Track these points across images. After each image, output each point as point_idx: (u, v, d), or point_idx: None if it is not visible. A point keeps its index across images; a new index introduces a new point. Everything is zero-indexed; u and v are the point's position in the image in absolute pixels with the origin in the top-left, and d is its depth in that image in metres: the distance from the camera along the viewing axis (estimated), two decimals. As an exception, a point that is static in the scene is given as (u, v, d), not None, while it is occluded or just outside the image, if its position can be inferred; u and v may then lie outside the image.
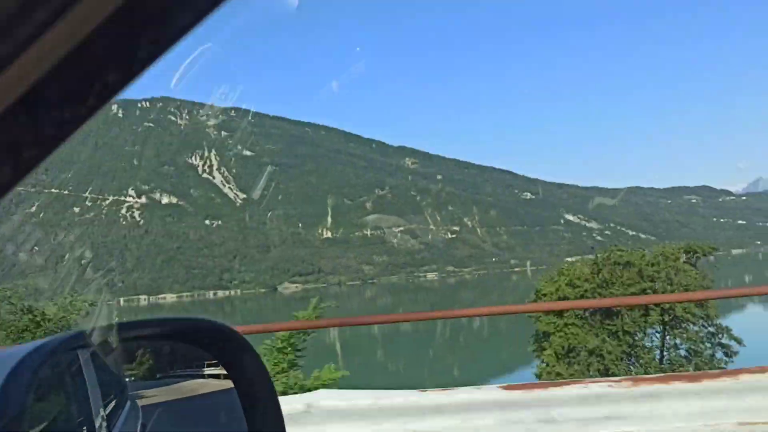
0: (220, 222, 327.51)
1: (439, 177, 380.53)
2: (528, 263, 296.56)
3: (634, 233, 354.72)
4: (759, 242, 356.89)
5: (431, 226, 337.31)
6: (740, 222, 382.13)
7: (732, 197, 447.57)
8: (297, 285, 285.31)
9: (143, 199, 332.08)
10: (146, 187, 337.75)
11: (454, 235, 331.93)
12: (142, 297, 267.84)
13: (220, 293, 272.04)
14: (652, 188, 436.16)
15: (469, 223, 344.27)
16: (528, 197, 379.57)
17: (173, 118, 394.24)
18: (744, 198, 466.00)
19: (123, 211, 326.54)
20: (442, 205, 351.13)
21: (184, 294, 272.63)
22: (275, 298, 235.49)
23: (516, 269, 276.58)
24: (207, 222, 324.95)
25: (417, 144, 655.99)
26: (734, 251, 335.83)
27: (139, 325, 1.33)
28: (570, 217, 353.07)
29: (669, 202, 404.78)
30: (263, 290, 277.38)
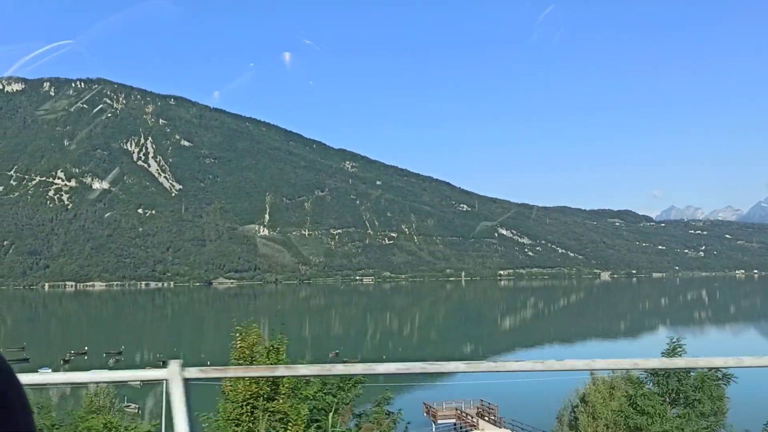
0: (153, 212, 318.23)
1: (378, 183, 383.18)
2: (463, 274, 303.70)
3: (563, 251, 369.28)
4: (677, 267, 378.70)
5: (369, 231, 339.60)
6: (660, 247, 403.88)
7: (652, 223, 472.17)
8: (232, 281, 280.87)
9: (73, 183, 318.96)
10: (77, 170, 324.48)
11: (391, 242, 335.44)
12: (69, 283, 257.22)
13: (153, 284, 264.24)
14: (579, 209, 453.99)
15: (406, 230, 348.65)
16: (464, 209, 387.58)
17: (109, 101, 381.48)
18: (663, 225, 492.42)
19: (50, 193, 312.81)
20: (381, 210, 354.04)
21: (114, 283, 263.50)
22: (209, 293, 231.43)
23: (451, 278, 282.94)
24: (140, 211, 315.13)
25: (357, 148, 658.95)
26: (655, 275, 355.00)
27: None
28: (504, 232, 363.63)
29: (595, 223, 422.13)
30: (197, 284, 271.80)
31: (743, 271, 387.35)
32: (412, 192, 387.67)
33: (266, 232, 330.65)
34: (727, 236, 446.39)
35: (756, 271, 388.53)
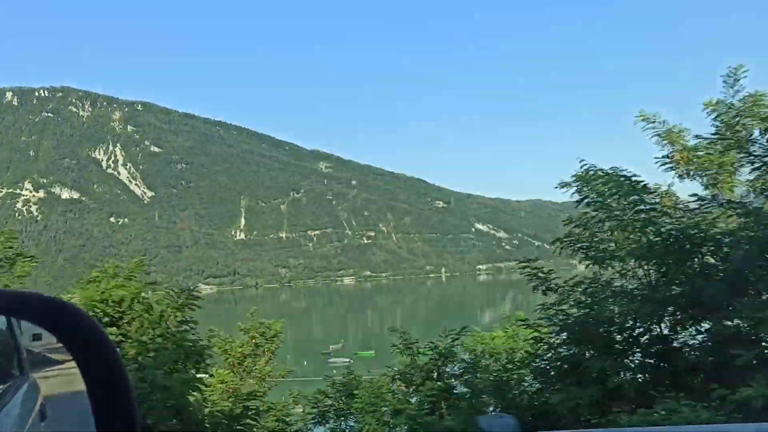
0: (126, 220, 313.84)
1: (354, 182, 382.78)
2: (443, 270, 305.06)
3: (539, 243, 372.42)
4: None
5: (347, 231, 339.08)
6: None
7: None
8: (212, 287, 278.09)
9: (41, 193, 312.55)
10: (44, 181, 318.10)
11: (369, 241, 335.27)
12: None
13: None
14: (551, 201, 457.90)
15: (384, 229, 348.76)
16: (440, 206, 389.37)
17: (74, 109, 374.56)
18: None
19: (19, 204, 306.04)
20: (358, 210, 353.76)
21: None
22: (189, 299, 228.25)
23: (431, 275, 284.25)
24: (112, 219, 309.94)
25: (330, 148, 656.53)
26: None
27: None
28: (480, 227, 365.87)
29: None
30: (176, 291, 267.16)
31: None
32: (388, 190, 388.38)
33: (243, 236, 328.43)
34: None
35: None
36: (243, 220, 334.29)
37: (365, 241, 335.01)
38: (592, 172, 9.08)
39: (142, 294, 9.40)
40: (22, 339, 1.32)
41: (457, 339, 10.50)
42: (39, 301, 1.20)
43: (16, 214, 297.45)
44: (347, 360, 54.06)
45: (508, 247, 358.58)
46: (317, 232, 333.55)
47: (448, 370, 10.09)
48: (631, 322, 7.58)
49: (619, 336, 7.67)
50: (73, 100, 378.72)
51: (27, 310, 1.20)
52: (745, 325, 6.70)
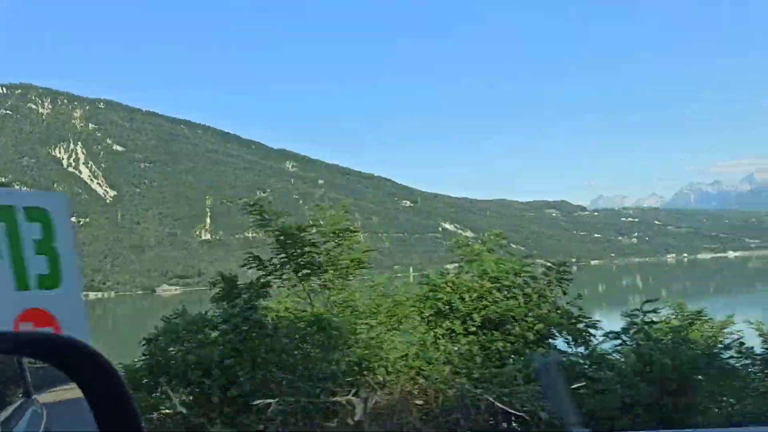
0: (87, 219, 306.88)
1: (320, 182, 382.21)
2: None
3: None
4: (613, 254, 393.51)
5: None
6: (596, 235, 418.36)
7: (586, 212, 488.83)
8: (176, 288, 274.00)
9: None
10: (2, 180, 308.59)
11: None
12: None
13: (92, 295, 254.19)
14: (517, 201, 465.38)
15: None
16: (407, 205, 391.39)
17: (34, 107, 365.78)
18: (596, 213, 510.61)
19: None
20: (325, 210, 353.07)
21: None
22: (153, 301, 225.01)
23: (399, 275, 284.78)
24: (73, 219, 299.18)
25: (296, 148, 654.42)
26: (593, 262, 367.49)
27: None
28: (447, 226, 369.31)
29: (533, 214, 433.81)
30: (140, 292, 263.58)
31: (674, 255, 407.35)
32: (355, 190, 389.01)
33: (208, 236, 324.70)
34: (657, 222, 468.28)
35: (685, 254, 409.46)
36: (208, 220, 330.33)
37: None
38: None
39: (525, 268, 9.19)
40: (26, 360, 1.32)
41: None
42: (56, 343, 1.21)
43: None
44: None
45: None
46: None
47: None
48: None
49: None
50: (33, 98, 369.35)
51: (43, 351, 1.19)
52: None
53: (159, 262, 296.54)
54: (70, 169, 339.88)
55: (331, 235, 10.39)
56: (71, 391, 1.15)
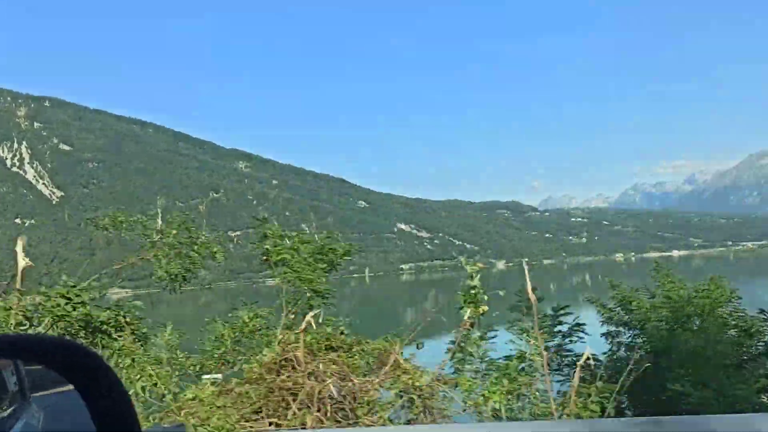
0: (33, 221, 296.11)
1: (274, 182, 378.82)
2: (366, 270, 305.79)
3: (460, 243, 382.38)
4: (564, 254, 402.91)
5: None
6: (547, 235, 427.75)
7: (537, 212, 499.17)
8: (127, 290, 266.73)
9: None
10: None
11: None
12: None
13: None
14: (469, 201, 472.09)
15: (307, 229, 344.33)
16: (362, 205, 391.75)
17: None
18: (547, 214, 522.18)
19: None
20: (279, 210, 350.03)
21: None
22: (103, 304, 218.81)
23: (354, 275, 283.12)
24: (17, 221, 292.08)
25: (249, 148, 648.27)
26: (545, 261, 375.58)
27: None
28: (403, 226, 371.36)
29: (485, 215, 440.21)
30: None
31: (622, 254, 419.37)
32: (310, 190, 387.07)
33: (160, 237, 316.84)
34: (605, 222, 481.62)
35: (633, 253, 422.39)
36: (159, 221, 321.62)
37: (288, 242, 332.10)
38: None
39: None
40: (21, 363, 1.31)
41: None
42: (56, 346, 1.20)
43: None
44: None
45: (429, 246, 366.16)
46: (238, 232, 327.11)
47: None
48: None
49: None
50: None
51: (43, 355, 1.18)
52: None
53: (109, 264, 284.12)
54: (14, 169, 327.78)
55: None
56: (68, 393, 1.15)
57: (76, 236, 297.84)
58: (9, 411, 1.28)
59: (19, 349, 1.18)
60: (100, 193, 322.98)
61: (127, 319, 8.00)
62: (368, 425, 4.99)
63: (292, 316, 8.60)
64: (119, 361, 6.81)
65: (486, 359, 6.33)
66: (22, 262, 7.79)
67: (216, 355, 8.16)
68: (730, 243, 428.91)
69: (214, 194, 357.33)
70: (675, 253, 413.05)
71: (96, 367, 1.14)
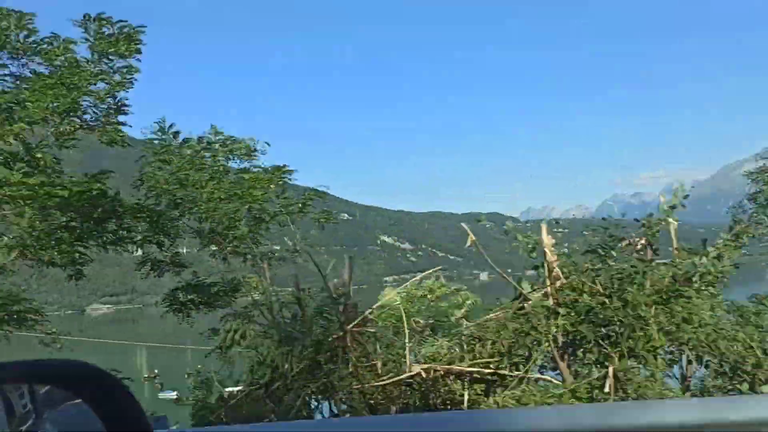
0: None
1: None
2: (351, 283, 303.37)
3: (443, 254, 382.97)
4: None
5: (252, 244, 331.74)
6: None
7: (519, 223, 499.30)
8: (108, 306, 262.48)
9: None
10: None
11: (275, 254, 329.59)
12: None
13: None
14: (452, 213, 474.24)
15: (289, 242, 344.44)
16: (346, 218, 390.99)
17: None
18: (529, 224, 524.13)
19: None
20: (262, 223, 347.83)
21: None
22: (83, 321, 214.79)
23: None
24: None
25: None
26: (528, 272, 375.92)
27: None
28: (386, 239, 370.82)
29: (468, 226, 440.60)
30: (69, 312, 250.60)
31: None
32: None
33: (141, 252, 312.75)
34: (585, 233, 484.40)
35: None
36: (139, 235, 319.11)
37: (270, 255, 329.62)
38: None
39: None
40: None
41: None
42: (77, 370, 1.22)
43: None
44: None
45: (413, 258, 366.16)
46: (214, 247, 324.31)
47: None
48: None
49: None
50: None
51: (64, 379, 1.21)
52: None
53: (89, 280, 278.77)
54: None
55: None
56: (80, 405, 1.17)
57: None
58: (25, 429, 1.30)
59: (34, 374, 1.22)
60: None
61: None
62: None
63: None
64: None
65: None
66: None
67: None
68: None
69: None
70: (655, 263, 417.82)
71: (113, 387, 1.17)
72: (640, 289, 6.55)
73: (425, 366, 6.81)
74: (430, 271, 12.82)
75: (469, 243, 7.76)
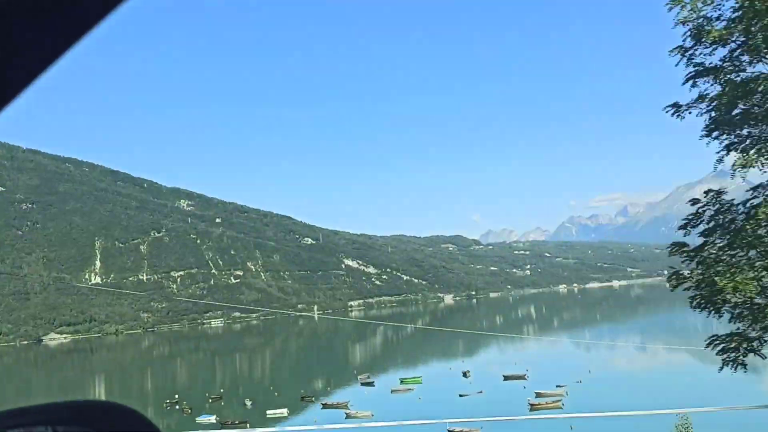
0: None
1: (218, 220, 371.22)
2: (315, 308, 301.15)
3: (408, 278, 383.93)
4: (510, 286, 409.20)
5: (213, 271, 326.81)
6: (492, 268, 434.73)
7: (481, 246, 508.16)
8: (66, 336, 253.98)
9: None
10: None
11: (238, 280, 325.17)
12: None
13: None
14: (415, 236, 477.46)
15: (252, 267, 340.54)
16: (309, 242, 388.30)
17: None
18: (490, 247, 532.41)
19: None
20: (224, 249, 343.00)
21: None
22: (40, 351, 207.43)
23: (303, 313, 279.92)
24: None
25: (192, 186, 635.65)
26: (492, 294, 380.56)
27: (18, 414, 1.18)
28: (350, 262, 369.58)
29: (431, 249, 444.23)
30: (25, 342, 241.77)
31: (565, 285, 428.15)
32: (255, 228, 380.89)
33: (99, 279, 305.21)
34: (547, 254, 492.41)
35: (575, 284, 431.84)
36: (98, 263, 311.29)
37: (233, 281, 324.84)
38: None
39: None
40: None
41: None
42: (105, 411, 1.23)
43: None
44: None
45: (377, 282, 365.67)
46: (181, 272, 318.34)
47: None
48: None
49: None
50: None
51: (91, 421, 1.20)
52: None
53: (45, 309, 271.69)
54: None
55: None
56: None
57: (9, 280, 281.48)
58: None
59: (55, 417, 1.21)
60: (34, 235, 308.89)
61: None
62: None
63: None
64: None
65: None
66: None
67: None
68: (665, 272, 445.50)
69: (156, 234, 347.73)
70: (615, 283, 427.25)
71: (135, 422, 1.19)
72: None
73: None
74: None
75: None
